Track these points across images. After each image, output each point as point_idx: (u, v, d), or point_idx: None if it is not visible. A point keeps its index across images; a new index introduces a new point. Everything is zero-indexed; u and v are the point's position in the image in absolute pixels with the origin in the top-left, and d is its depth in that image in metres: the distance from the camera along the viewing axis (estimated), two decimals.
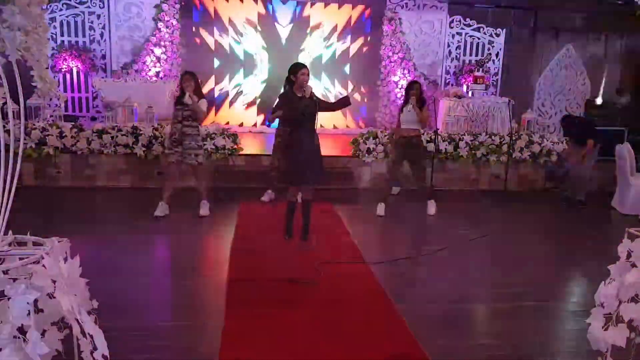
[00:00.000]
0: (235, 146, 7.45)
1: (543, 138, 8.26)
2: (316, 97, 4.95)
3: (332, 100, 8.60)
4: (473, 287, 4.34)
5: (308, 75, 4.93)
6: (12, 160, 2.13)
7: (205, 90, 9.08)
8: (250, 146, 8.20)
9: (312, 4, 10.14)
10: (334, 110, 5.37)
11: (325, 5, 10.23)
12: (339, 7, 10.28)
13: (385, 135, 7.76)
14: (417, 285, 4.41)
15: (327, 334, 3.35)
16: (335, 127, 10.53)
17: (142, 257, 4.85)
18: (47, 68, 2.00)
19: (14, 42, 1.73)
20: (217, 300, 3.78)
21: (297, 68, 4.95)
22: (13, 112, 2.30)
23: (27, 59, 1.88)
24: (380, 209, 6.33)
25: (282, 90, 6.33)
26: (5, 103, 2.04)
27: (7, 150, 2.14)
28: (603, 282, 2.71)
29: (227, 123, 9.77)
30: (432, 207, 6.44)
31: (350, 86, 9.67)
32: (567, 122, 7.41)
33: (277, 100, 6.40)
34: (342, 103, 5.08)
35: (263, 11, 10.09)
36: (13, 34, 1.69)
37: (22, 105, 2.20)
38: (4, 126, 2.13)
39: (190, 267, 4.60)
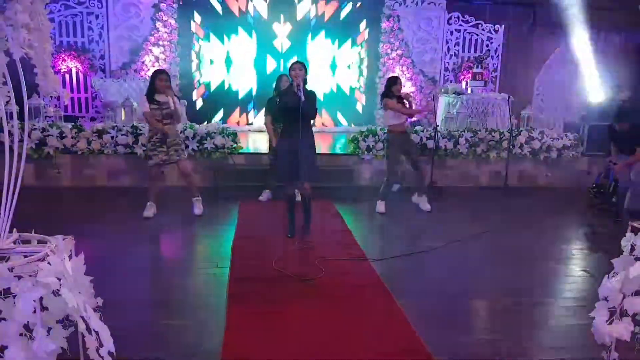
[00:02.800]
0: (235, 145, 7.45)
1: (543, 134, 8.26)
2: (309, 95, 4.92)
3: None
4: (474, 283, 4.34)
5: (299, 70, 4.94)
6: (15, 160, 2.14)
7: None
8: (249, 144, 8.22)
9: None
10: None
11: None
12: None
13: (384, 133, 7.74)
14: (418, 281, 4.41)
15: (329, 330, 3.35)
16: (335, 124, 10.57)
17: (143, 256, 4.85)
18: (50, 65, 2.01)
19: (18, 39, 1.73)
20: (219, 298, 3.78)
21: (290, 66, 5.07)
22: (13, 113, 2.30)
23: (30, 56, 1.88)
24: (381, 206, 6.34)
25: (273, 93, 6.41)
26: (9, 101, 2.04)
27: (9, 150, 2.14)
28: (606, 275, 2.72)
29: None
30: (425, 204, 6.46)
31: None
32: (614, 126, 6.35)
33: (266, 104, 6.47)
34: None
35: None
36: (17, 31, 1.70)
37: (25, 104, 2.20)
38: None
39: (192, 266, 4.61)
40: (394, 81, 6.21)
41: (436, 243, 5.18)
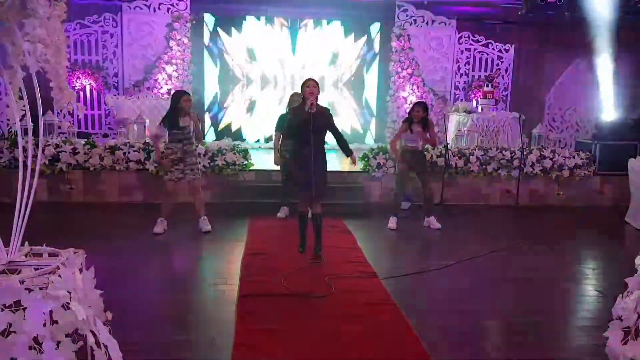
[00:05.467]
0: (246, 162, 7.48)
1: (554, 153, 8.21)
2: (324, 113, 4.97)
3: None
4: (486, 302, 4.28)
5: (314, 87, 4.93)
6: (29, 175, 2.16)
7: None
8: (260, 161, 8.25)
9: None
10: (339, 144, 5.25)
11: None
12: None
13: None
14: (429, 300, 4.36)
15: (339, 348, 3.31)
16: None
17: (153, 271, 4.86)
18: (66, 79, 2.05)
19: (35, 54, 1.77)
20: (228, 315, 3.77)
21: (304, 82, 5.03)
22: (28, 129, 2.34)
23: (46, 70, 1.92)
24: (392, 222, 6.31)
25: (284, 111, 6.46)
26: (24, 115, 2.08)
27: (23, 166, 2.17)
28: (620, 295, 2.68)
29: None
30: (435, 222, 6.42)
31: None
32: None
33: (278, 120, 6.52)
34: (345, 151, 5.19)
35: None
36: (34, 46, 1.74)
37: (40, 120, 2.24)
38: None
39: (201, 282, 4.61)
40: (412, 108, 6.33)
41: (447, 261, 5.13)
